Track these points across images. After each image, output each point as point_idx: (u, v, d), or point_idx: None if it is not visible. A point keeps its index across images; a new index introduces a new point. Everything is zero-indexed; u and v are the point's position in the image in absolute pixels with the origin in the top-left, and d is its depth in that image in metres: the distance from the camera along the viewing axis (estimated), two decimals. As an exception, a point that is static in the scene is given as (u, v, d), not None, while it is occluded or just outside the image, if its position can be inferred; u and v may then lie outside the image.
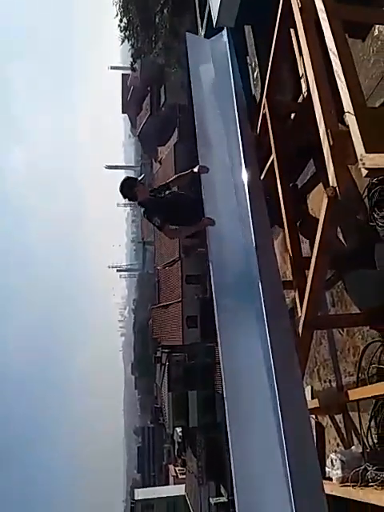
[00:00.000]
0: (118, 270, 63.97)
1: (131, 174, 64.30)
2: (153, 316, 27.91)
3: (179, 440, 25.12)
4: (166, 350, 24.83)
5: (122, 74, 38.62)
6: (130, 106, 35.65)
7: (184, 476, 26.92)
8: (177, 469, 29.22)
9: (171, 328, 23.71)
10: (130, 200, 4.40)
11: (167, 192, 4.39)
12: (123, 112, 39.86)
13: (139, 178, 4.41)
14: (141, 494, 29.16)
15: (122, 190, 4.17)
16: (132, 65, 30.87)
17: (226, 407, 3.41)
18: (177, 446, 26.34)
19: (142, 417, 56.78)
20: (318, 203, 4.60)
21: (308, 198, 5.09)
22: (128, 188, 4.18)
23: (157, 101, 29.10)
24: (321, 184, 4.56)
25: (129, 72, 35.05)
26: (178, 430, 24.47)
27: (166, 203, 4.28)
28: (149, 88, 29.91)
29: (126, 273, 65.86)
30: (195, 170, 4.32)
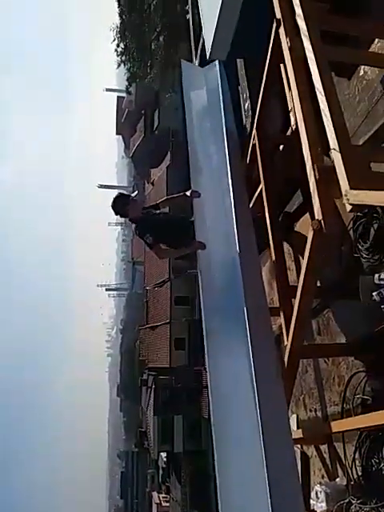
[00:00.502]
0: (107, 289, 63.59)
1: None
2: (140, 337, 27.67)
3: (164, 466, 24.58)
4: (153, 373, 24.50)
5: (117, 97, 39.37)
6: (124, 127, 36.19)
7: (168, 504, 26.20)
8: (161, 496, 28.44)
9: (158, 350, 23.49)
10: (121, 216, 4.44)
11: (158, 212, 4.45)
12: (117, 133, 40.42)
13: (132, 195, 4.42)
14: (123, 522, 28.25)
15: (114, 206, 4.19)
16: (127, 88, 31.49)
17: (213, 432, 3.40)
18: (161, 472, 25.74)
19: (127, 440, 55.49)
20: (305, 232, 4.71)
21: (295, 226, 5.19)
22: (120, 204, 4.21)
23: (150, 124, 29.62)
24: (308, 214, 4.67)
25: (124, 95, 35.74)
26: (163, 455, 23.98)
27: (157, 222, 4.33)
28: (143, 111, 30.46)
29: (114, 292, 65.46)
30: (187, 193, 4.38)
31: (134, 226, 4.31)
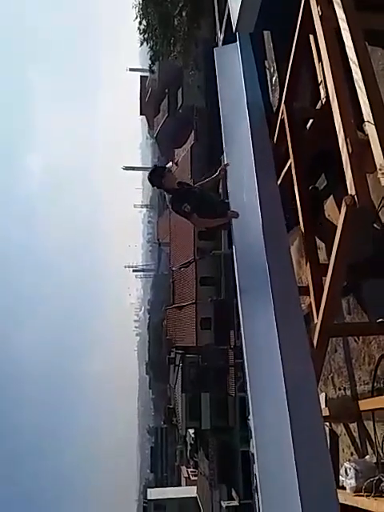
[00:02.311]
0: (133, 271, 64.44)
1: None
2: (167, 317, 28.02)
3: (192, 441, 25.16)
4: (180, 351, 24.89)
5: (141, 76, 38.89)
6: (148, 107, 35.89)
7: (196, 478, 26.93)
8: (189, 470, 29.26)
9: (185, 329, 23.77)
10: (158, 187, 4.52)
11: (193, 186, 4.54)
12: (141, 114, 40.13)
13: (167, 166, 4.52)
14: (153, 493, 29.32)
15: (150, 178, 4.38)
16: (150, 67, 31.06)
17: (250, 403, 3.43)
18: (189, 448, 26.39)
19: (156, 417, 57.00)
20: (336, 209, 4.59)
21: (326, 204, 5.07)
22: (156, 176, 4.34)
23: (174, 103, 29.24)
24: (339, 190, 4.55)
25: (147, 74, 35.29)
26: (191, 431, 24.52)
27: (193, 194, 4.39)
28: (166, 90, 30.07)
29: (141, 273, 66.26)
30: (221, 169, 4.52)
31: (168, 197, 4.35)
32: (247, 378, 3.63)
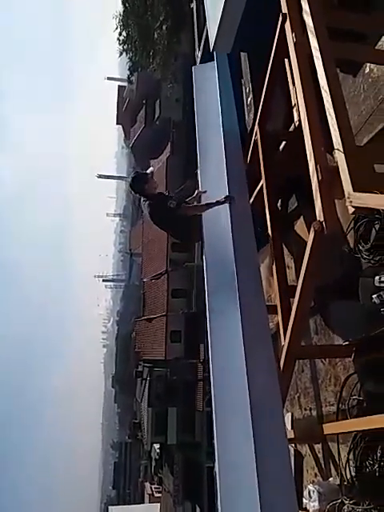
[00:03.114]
0: (103, 280, 63.50)
1: (123, 183, 64.65)
2: (136, 329, 27.66)
3: (157, 457, 24.72)
4: (148, 365, 24.56)
5: (119, 86, 38.98)
6: (125, 117, 35.89)
7: (160, 495, 26.40)
8: (153, 487, 28.66)
9: (154, 342, 23.50)
10: (140, 194, 4.45)
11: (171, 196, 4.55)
12: (118, 123, 40.08)
13: (148, 172, 4.50)
14: (115, 511, 28.52)
15: (132, 185, 4.36)
16: (129, 77, 31.15)
17: (215, 420, 3.38)
18: (154, 463, 25.90)
19: (120, 431, 55.83)
20: (305, 230, 4.66)
21: (295, 224, 5.14)
22: (139, 181, 4.32)
23: (151, 114, 29.38)
24: (309, 212, 4.63)
25: (125, 84, 35.40)
26: (156, 446, 24.10)
27: (172, 197, 4.38)
28: (144, 101, 30.19)
29: (111, 283, 65.35)
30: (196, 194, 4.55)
31: (147, 204, 4.31)
32: (212, 396, 3.60)
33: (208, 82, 5.28)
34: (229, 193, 4.25)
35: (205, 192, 4.51)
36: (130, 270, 47.42)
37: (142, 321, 26.22)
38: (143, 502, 32.43)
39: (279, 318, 4.03)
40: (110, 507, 31.16)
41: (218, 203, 4.20)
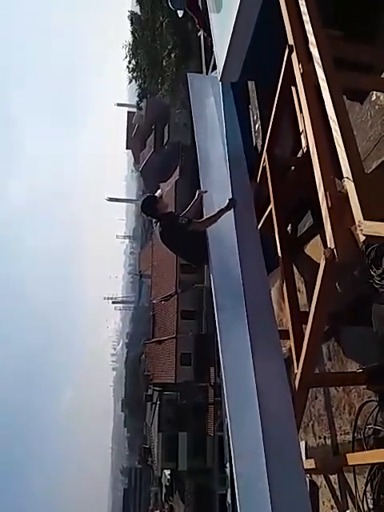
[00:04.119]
0: (113, 302, 63.54)
1: (132, 206, 65.35)
2: (146, 351, 27.50)
3: (167, 483, 24.15)
4: (158, 388, 24.29)
5: (128, 112, 39.91)
6: (134, 142, 36.61)
7: (171, 523, 25.70)
8: (163, 515, 27.92)
9: (164, 365, 23.30)
10: (151, 216, 4.56)
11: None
12: (127, 148, 40.86)
13: (157, 194, 4.63)
14: (124, 541, 27.74)
15: (143, 207, 4.47)
16: (138, 103, 31.94)
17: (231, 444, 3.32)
18: (164, 490, 25.29)
19: (130, 457, 54.75)
20: (316, 255, 4.65)
21: (306, 248, 5.14)
22: (150, 204, 4.43)
23: (160, 139, 29.95)
24: (318, 236, 4.63)
25: (134, 110, 36.24)
26: (167, 472, 23.58)
27: (188, 228, 4.42)
28: (153, 126, 30.83)
29: (121, 305, 65.36)
30: (196, 195, 4.63)
31: (158, 225, 4.39)
32: (227, 425, 3.56)
33: (205, 91, 5.41)
34: (232, 196, 4.29)
35: (205, 192, 4.58)
36: (139, 291, 47.46)
37: (151, 343, 26.09)
38: (153, 532, 31.53)
39: (292, 343, 3.98)
40: (119, 536, 30.28)
41: (224, 210, 4.27)
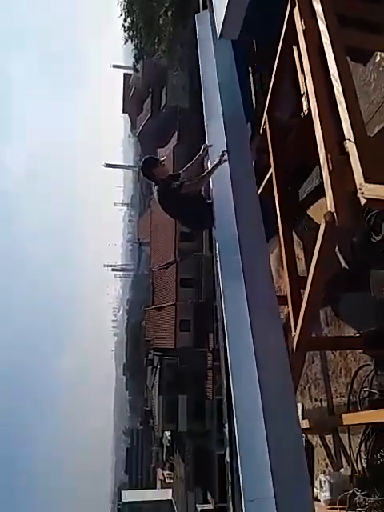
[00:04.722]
0: (112, 270, 63.82)
1: (130, 173, 64.44)
2: (146, 318, 27.85)
3: (168, 444, 25.04)
4: (158, 353, 24.75)
5: (124, 74, 38.66)
6: (131, 105, 35.66)
7: (171, 480, 26.82)
8: (165, 473, 29.10)
9: (164, 331, 23.64)
10: (148, 178, 4.49)
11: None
12: (124, 112, 39.85)
13: (160, 159, 4.52)
14: (128, 495, 29.05)
15: (143, 168, 4.42)
16: (134, 65, 30.86)
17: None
18: (165, 450, 26.26)
19: (132, 418, 56.59)
20: (316, 220, 4.60)
21: (305, 214, 5.08)
22: (149, 165, 4.36)
23: (158, 102, 29.13)
24: (318, 202, 4.56)
25: (131, 72, 35.09)
26: (168, 433, 24.40)
27: (181, 191, 4.35)
28: (150, 89, 29.94)
29: (120, 273, 65.68)
30: (201, 151, 4.51)
31: (155, 189, 4.34)
32: (224, 384, 3.60)
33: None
34: (232, 182, 4.21)
35: (211, 146, 4.49)
36: (138, 259, 47.53)
37: (151, 310, 26.38)
38: (155, 488, 33.02)
39: (290, 308, 4.00)
40: (123, 491, 31.72)
41: (216, 166, 4.21)
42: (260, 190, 5.06)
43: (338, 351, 4.18)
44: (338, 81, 2.75)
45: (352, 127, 2.61)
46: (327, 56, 2.92)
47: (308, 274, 3.39)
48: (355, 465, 3.74)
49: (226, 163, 4.23)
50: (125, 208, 74.00)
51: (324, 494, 3.86)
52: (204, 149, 4.49)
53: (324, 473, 4.14)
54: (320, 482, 3.96)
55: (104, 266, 64.00)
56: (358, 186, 2.45)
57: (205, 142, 4.73)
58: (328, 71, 3.05)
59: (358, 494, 3.50)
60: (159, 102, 28.90)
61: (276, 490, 2.95)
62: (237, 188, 4.24)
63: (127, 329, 51.68)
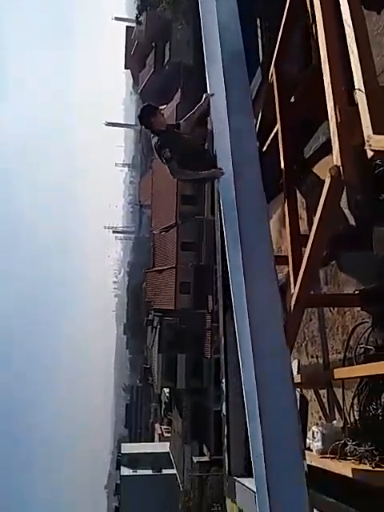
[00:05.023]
0: (113, 232, 63.83)
1: (131, 132, 63.11)
2: (147, 280, 28.10)
3: (166, 400, 25.92)
4: (158, 314, 25.16)
5: (127, 27, 37.08)
6: (133, 61, 34.48)
7: (169, 435, 27.96)
8: (163, 427, 30.31)
9: (164, 293, 23.93)
10: (145, 127, 4.38)
11: (182, 133, 4.42)
12: (126, 67, 38.57)
13: (160, 108, 4.39)
14: (127, 448, 30.39)
15: (140, 115, 4.28)
16: (137, 17, 29.58)
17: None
18: (164, 406, 27.23)
19: (132, 375, 58.30)
20: (323, 176, 4.52)
21: (310, 172, 4.99)
22: (147, 114, 4.22)
23: (161, 58, 28.11)
24: (326, 158, 4.47)
25: (133, 25, 33.65)
26: (166, 390, 25.21)
27: (179, 140, 4.26)
28: (153, 44, 28.81)
29: (121, 235, 65.73)
30: (202, 100, 4.40)
31: (154, 140, 4.21)
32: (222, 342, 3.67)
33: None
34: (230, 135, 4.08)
35: (212, 95, 4.36)
36: (139, 221, 47.41)
37: (152, 272, 26.58)
38: (153, 441, 34.48)
39: (290, 267, 4.02)
40: (122, 444, 33.14)
41: (200, 107, 4.20)
42: (265, 148, 4.97)
43: (335, 309, 4.23)
44: (351, 27, 2.63)
45: (363, 76, 2.51)
46: (340, 1, 2.78)
47: (310, 232, 3.38)
48: (348, 417, 3.86)
49: (226, 113, 4.10)
50: (126, 169, 73.01)
51: (316, 444, 4.00)
52: (205, 98, 4.36)
53: (317, 425, 4.29)
54: (313, 432, 4.10)
55: (104, 228, 63.98)
56: (365, 138, 2.39)
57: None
58: (340, 18, 2.91)
59: (349, 443, 3.63)
60: (162, 57, 27.89)
61: (265, 440, 3.07)
62: (235, 138, 4.08)
63: (128, 290, 52.30)
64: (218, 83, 4.33)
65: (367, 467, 3.28)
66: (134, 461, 27.00)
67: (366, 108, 2.42)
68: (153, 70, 28.70)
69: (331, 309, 4.33)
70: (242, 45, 4.52)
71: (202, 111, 4.48)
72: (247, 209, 3.82)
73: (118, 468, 28.23)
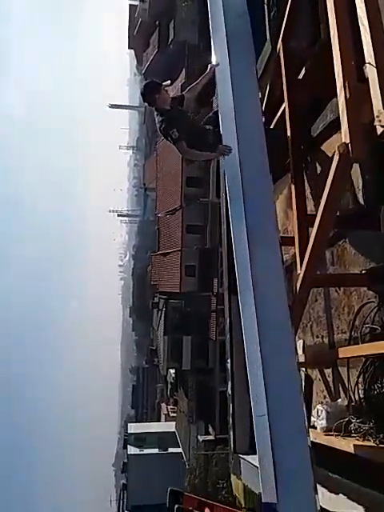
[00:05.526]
0: (118, 215, 63.78)
1: (135, 114, 62.40)
2: (152, 263, 28.18)
3: (172, 381, 26.24)
4: (164, 296, 25.31)
5: (130, 5, 36.30)
6: (137, 41, 33.87)
7: (175, 414, 28.41)
8: (169, 407, 30.78)
9: (169, 275, 24.01)
10: (149, 104, 4.27)
11: (187, 112, 4.35)
12: (130, 47, 37.94)
13: (164, 84, 4.23)
14: (134, 428, 30.95)
15: (144, 93, 4.17)
16: (141, -5, 28.82)
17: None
18: (169, 387, 27.58)
19: (138, 357, 59.03)
20: (328, 158, 4.46)
21: (318, 152, 4.93)
22: (151, 90, 4.11)
23: (165, 37, 27.56)
24: (335, 136, 4.40)
25: (137, 3, 32.92)
26: (172, 371, 25.52)
27: (184, 119, 4.19)
28: (157, 22, 28.22)
29: (126, 218, 65.67)
30: (208, 69, 4.35)
31: (158, 118, 4.12)
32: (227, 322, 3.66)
33: None
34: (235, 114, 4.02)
35: (217, 65, 4.30)
36: (144, 204, 47.27)
37: (157, 255, 26.64)
38: (160, 421, 35.09)
39: (296, 247, 4.00)
40: (129, 424, 33.77)
41: (205, 77, 4.17)
42: (272, 125, 4.90)
43: (341, 289, 4.22)
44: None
45: (374, 50, 2.45)
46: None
47: (317, 211, 3.35)
48: (352, 396, 3.90)
49: (229, 85, 4.04)
50: (130, 151, 72.46)
51: (321, 422, 4.05)
52: (210, 68, 4.28)
53: (321, 403, 4.33)
54: (317, 411, 4.15)
55: (109, 211, 63.91)
56: (375, 113, 2.34)
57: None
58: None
59: (353, 421, 3.67)
60: (167, 36, 27.34)
61: (271, 417, 3.09)
62: (239, 106, 4.05)
63: (133, 273, 52.54)
64: (222, 50, 4.25)
65: (371, 443, 3.32)
66: (141, 440, 27.54)
67: (377, 82, 2.37)
68: (157, 49, 28.19)
69: (337, 289, 4.32)
70: (246, 7, 4.44)
71: (207, 81, 4.40)
72: (252, 185, 3.78)
73: (125, 447, 28.82)
